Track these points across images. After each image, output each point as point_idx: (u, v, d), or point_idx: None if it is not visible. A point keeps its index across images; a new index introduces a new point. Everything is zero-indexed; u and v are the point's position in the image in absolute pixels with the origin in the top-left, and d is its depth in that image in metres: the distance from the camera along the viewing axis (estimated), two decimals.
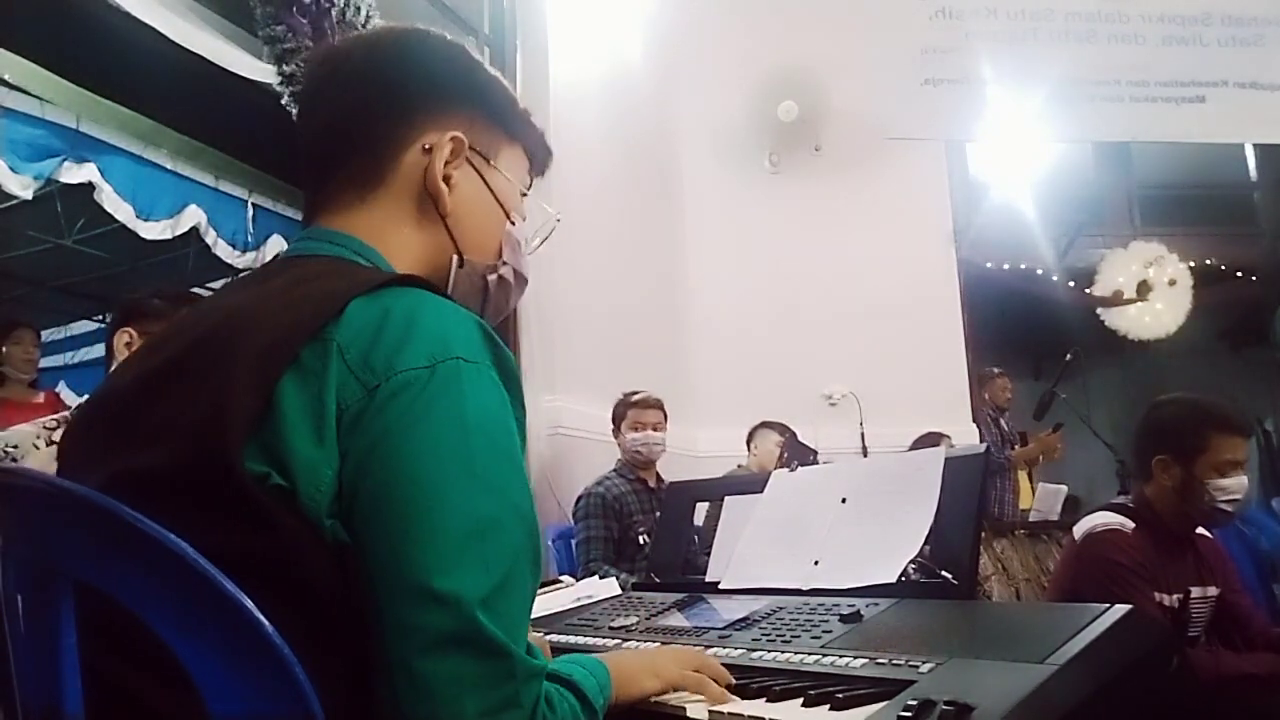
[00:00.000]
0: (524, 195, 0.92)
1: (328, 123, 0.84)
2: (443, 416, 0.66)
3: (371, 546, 0.64)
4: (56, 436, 1.55)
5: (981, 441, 4.52)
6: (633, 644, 1.11)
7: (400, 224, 0.82)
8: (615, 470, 3.28)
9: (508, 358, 0.73)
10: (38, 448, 1.53)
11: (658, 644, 1.08)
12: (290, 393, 0.65)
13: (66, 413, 1.73)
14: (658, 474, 3.32)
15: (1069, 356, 4.85)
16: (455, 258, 0.85)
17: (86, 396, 0.76)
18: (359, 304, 0.69)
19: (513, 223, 0.89)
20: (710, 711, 0.83)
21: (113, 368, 1.70)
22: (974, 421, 4.67)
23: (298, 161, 0.86)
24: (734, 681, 0.88)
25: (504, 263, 0.89)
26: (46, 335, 5.39)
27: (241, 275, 0.96)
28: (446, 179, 0.83)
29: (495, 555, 0.65)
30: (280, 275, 0.78)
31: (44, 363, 5.24)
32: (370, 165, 0.82)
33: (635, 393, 3.33)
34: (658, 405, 3.31)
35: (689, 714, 0.84)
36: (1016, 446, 4.77)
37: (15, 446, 1.53)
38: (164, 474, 0.64)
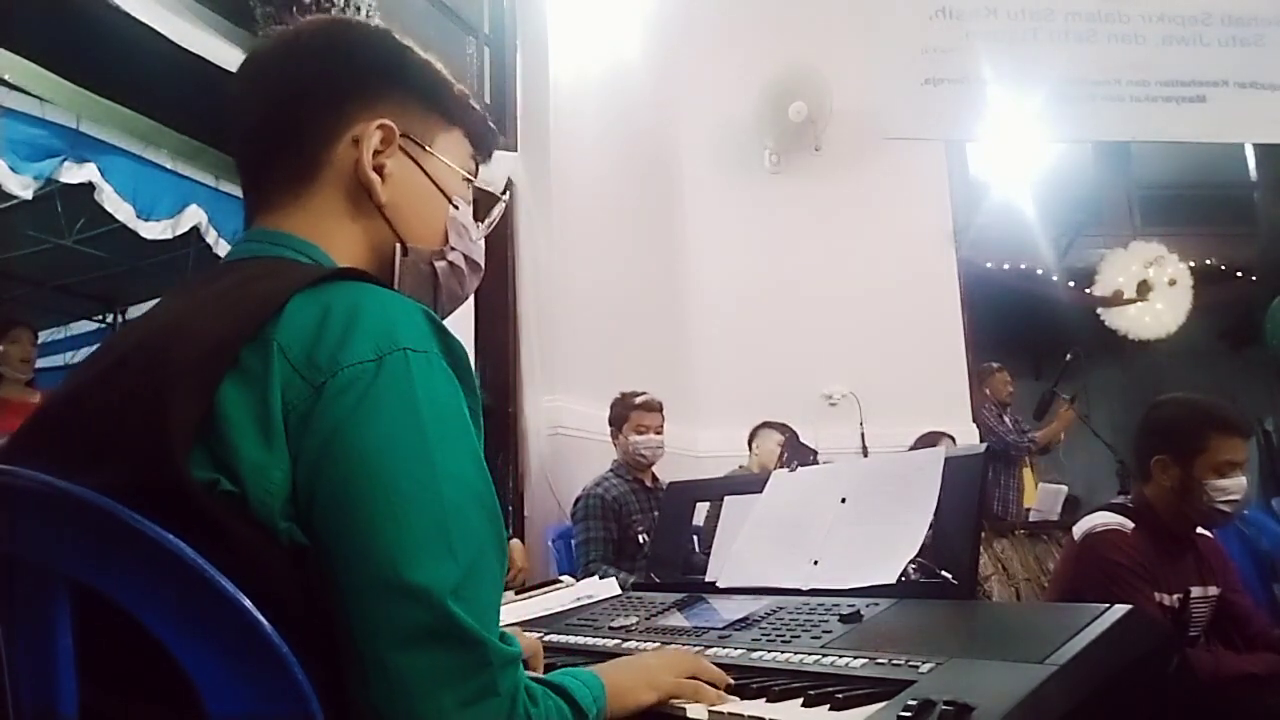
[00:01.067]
0: (468, 180, 0.89)
1: (255, 124, 0.83)
2: (394, 408, 0.65)
3: (334, 545, 0.63)
4: None
5: (992, 436, 4.53)
6: (632, 644, 1.11)
7: (338, 219, 0.81)
8: (612, 470, 3.27)
9: (456, 345, 0.72)
10: None
11: (656, 644, 1.08)
12: (232, 396, 0.64)
13: None
14: (653, 473, 3.32)
15: (1069, 356, 4.86)
16: (398, 247, 0.83)
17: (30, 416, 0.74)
18: (298, 301, 0.68)
19: (456, 207, 0.87)
20: (710, 712, 0.83)
21: None
22: (974, 421, 4.66)
23: (235, 165, 0.85)
24: (731, 683, 0.88)
25: (451, 248, 0.86)
26: (46, 335, 5.39)
27: (182, 282, 0.93)
28: (379, 169, 0.81)
29: (461, 543, 0.65)
30: (220, 280, 0.76)
31: (44, 363, 5.24)
32: (300, 162, 0.81)
33: (636, 394, 3.33)
34: (659, 408, 3.32)
35: (689, 714, 0.84)
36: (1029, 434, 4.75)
37: None
38: (111, 488, 0.61)
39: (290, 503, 0.64)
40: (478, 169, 0.92)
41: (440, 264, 0.86)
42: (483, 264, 0.91)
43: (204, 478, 0.62)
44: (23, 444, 0.72)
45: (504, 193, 0.94)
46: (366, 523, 0.63)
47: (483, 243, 0.91)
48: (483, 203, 0.93)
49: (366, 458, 0.64)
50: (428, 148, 0.85)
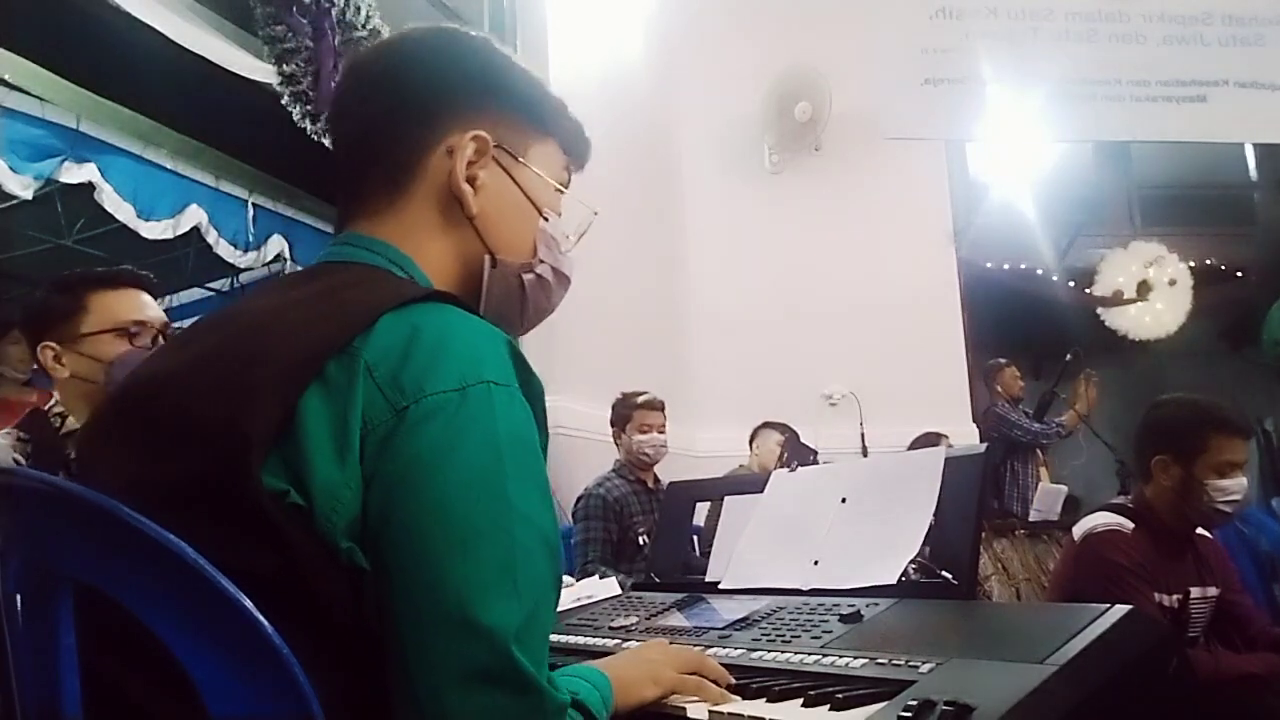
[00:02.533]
0: (560, 191, 0.90)
1: (353, 131, 0.84)
2: (476, 443, 0.65)
3: (401, 574, 0.63)
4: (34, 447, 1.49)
5: (1016, 430, 4.51)
6: (632, 644, 1.11)
7: (429, 228, 0.81)
8: (614, 470, 3.27)
9: (535, 380, 0.72)
10: (18, 461, 1.45)
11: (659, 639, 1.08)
12: (314, 408, 0.64)
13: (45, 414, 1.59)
14: (655, 474, 3.32)
15: (1069, 356, 4.85)
16: (487, 259, 0.83)
17: (112, 389, 0.76)
18: (388, 320, 0.68)
19: (546, 219, 0.87)
20: (710, 711, 0.83)
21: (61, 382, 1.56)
22: (975, 421, 4.66)
23: (329, 171, 0.86)
24: (733, 681, 0.88)
25: (540, 261, 0.86)
26: None
27: (275, 277, 0.95)
28: (472, 179, 0.81)
29: (527, 586, 0.65)
30: (313, 281, 0.78)
31: None
32: (395, 171, 0.81)
33: (638, 394, 3.32)
34: (661, 407, 3.32)
35: (689, 714, 0.84)
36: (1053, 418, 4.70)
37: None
38: (182, 483, 0.63)
39: (356, 523, 0.64)
40: (570, 179, 0.92)
41: (528, 277, 0.86)
42: (571, 276, 0.90)
43: (274, 486, 0.62)
44: (100, 427, 0.74)
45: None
46: (439, 556, 0.62)
47: (573, 254, 0.91)
48: (574, 214, 0.92)
49: (446, 491, 0.64)
50: (520, 158, 0.85)
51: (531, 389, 0.72)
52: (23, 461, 1.46)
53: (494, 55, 0.86)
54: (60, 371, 1.57)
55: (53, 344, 1.59)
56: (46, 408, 1.60)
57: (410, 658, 0.62)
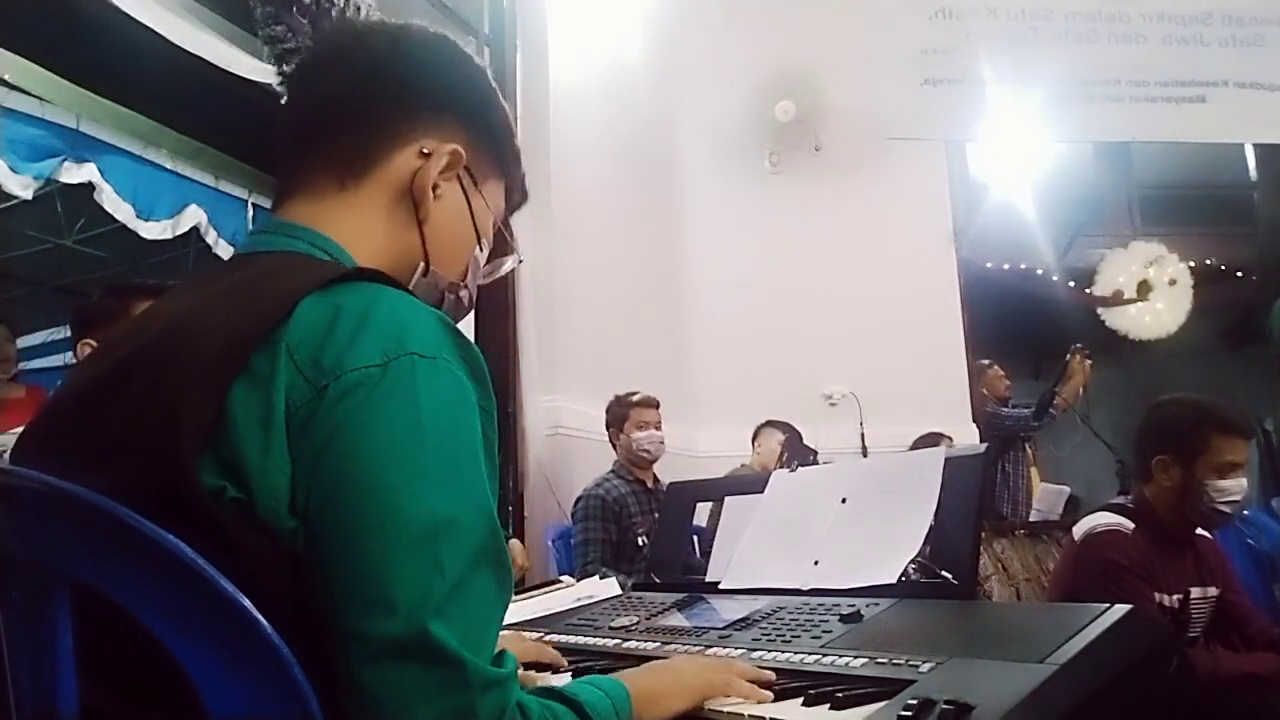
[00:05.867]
0: (498, 229, 0.91)
1: (327, 96, 0.81)
2: (395, 414, 0.63)
3: (323, 554, 0.62)
4: None
5: (1008, 422, 4.51)
6: (632, 644, 1.11)
7: (374, 218, 0.79)
8: (613, 471, 3.28)
9: (473, 352, 0.71)
10: None
11: (656, 644, 1.08)
12: (241, 401, 0.63)
13: None
14: (654, 474, 3.32)
15: (1069, 356, 4.85)
16: (422, 265, 0.82)
17: (36, 414, 0.75)
18: (310, 302, 0.66)
19: (481, 249, 0.88)
20: (710, 710, 0.83)
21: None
22: (974, 421, 4.66)
23: (277, 138, 0.83)
24: (772, 677, 0.86)
25: (464, 285, 0.87)
26: (45, 335, 5.38)
27: (192, 276, 0.93)
28: (434, 187, 0.81)
29: (451, 557, 0.62)
30: (231, 275, 0.75)
31: (42, 363, 5.23)
32: (361, 151, 0.79)
33: (631, 393, 3.34)
34: (656, 405, 3.33)
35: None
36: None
37: None
38: (118, 493, 0.60)
39: (291, 508, 0.63)
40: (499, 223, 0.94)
41: (450, 296, 0.86)
42: (471, 308, 0.92)
43: (212, 484, 0.61)
44: (30, 442, 0.72)
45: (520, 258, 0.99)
46: (353, 533, 0.61)
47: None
48: (496, 250, 0.95)
49: (360, 465, 0.62)
50: (479, 186, 0.86)
51: (470, 361, 0.70)
52: None
53: (489, 85, 0.87)
54: None
55: (91, 341, 1.65)
56: None
57: (334, 637, 0.60)
